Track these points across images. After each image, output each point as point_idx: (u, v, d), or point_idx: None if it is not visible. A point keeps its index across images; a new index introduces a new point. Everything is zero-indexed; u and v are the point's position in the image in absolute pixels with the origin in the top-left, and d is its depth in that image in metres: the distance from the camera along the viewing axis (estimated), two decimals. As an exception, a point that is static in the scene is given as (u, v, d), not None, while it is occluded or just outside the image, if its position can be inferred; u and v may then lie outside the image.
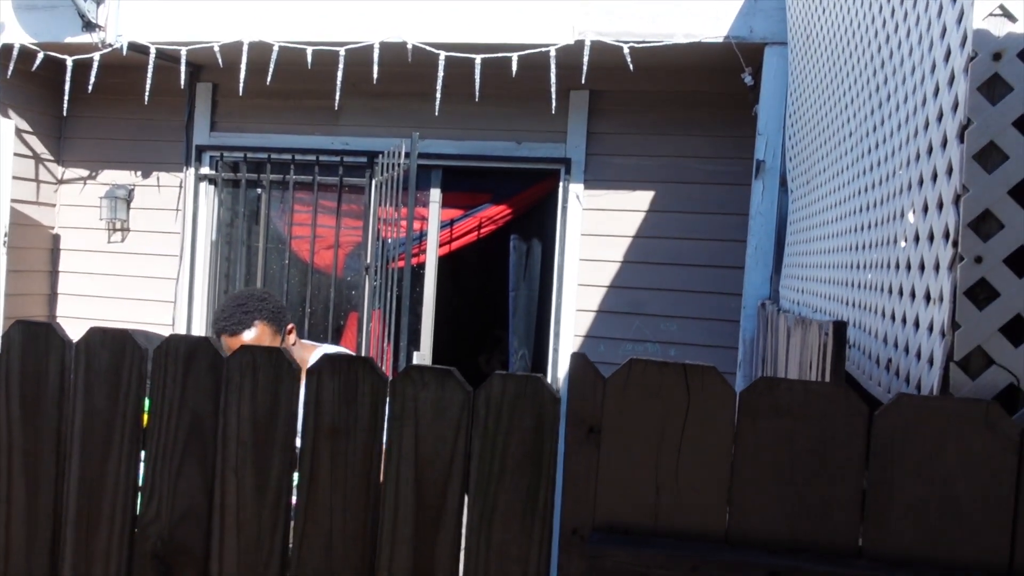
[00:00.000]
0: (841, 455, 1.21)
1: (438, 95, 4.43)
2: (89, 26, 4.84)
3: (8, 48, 4.93)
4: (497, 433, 1.34)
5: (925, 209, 1.54)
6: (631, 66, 4.24)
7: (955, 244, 1.33)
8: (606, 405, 1.27)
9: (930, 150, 1.54)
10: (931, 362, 1.40)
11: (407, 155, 4.61)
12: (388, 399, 1.38)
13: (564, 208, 5.04)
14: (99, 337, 1.49)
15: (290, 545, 1.42)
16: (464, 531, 1.36)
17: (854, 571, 1.17)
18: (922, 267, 1.53)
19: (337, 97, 4.63)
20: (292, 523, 1.42)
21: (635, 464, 1.26)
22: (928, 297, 1.47)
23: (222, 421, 1.43)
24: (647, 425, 1.26)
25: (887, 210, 1.86)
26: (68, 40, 4.90)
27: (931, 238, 1.48)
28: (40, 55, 4.87)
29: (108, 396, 1.48)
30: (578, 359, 1.28)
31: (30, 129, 5.53)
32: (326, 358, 1.40)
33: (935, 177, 1.50)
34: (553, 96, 4.39)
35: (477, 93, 4.43)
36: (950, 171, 1.41)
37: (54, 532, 1.50)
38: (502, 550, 1.34)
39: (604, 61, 4.40)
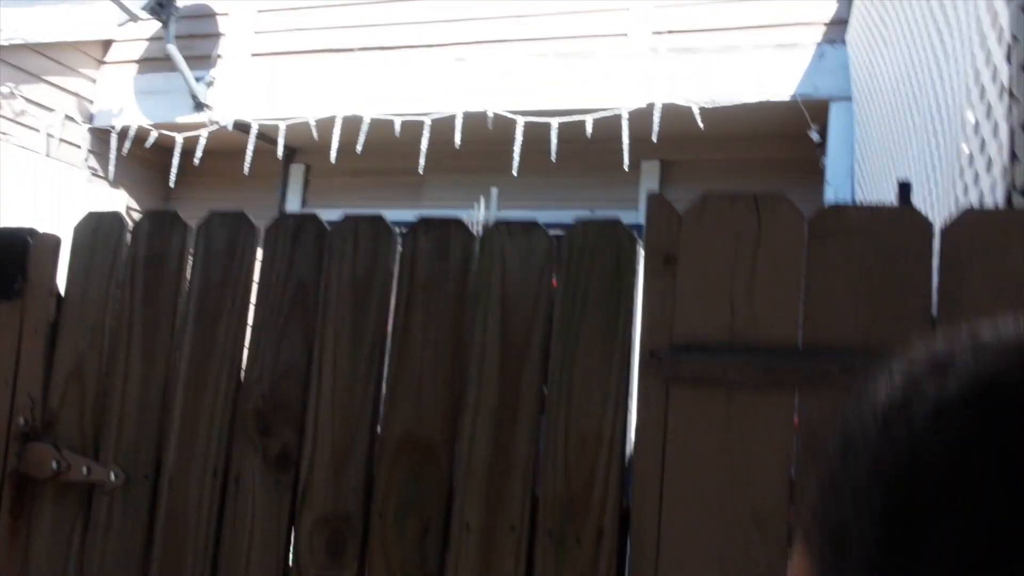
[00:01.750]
0: (910, 268, 1.27)
1: (516, 157, 4.69)
2: (199, 106, 5.33)
3: (125, 129, 5.44)
4: (579, 272, 1.43)
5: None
6: (700, 124, 4.44)
7: (1011, 94, 1.42)
8: (682, 235, 1.36)
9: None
10: (994, 190, 1.46)
11: (485, 219, 4.84)
12: (478, 251, 1.49)
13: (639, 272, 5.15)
14: (218, 219, 1.65)
15: (383, 394, 1.51)
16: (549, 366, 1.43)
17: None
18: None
19: (421, 163, 4.94)
20: (384, 372, 1.52)
21: (710, 288, 1.34)
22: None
23: (323, 284, 1.56)
24: (721, 251, 1.34)
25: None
26: (179, 120, 5.38)
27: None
28: (154, 133, 5.35)
29: (223, 269, 1.62)
30: (654, 197, 1.39)
31: (138, 208, 5.99)
32: (421, 219, 1.53)
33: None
34: (626, 157, 4.60)
35: (553, 153, 4.68)
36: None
37: (164, 398, 1.62)
38: (585, 377, 1.40)
39: (673, 130, 4.61)
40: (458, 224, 1.52)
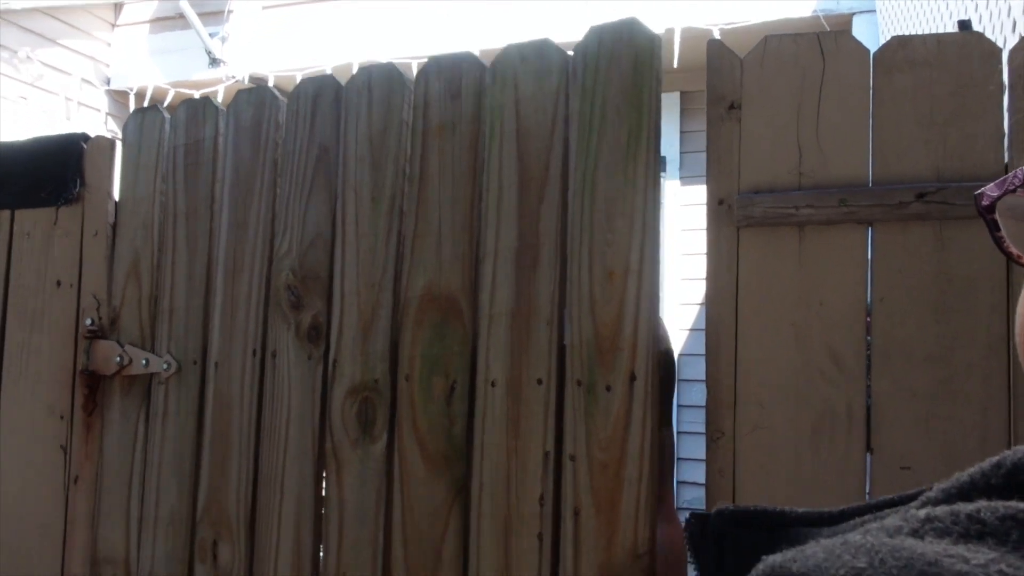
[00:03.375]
0: (979, 94, 1.26)
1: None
2: (214, 62, 5.31)
3: (143, 90, 5.43)
4: (595, 85, 1.33)
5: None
6: (721, 46, 4.39)
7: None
8: (744, 80, 1.35)
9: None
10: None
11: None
12: (490, 85, 1.40)
13: (662, 204, 5.14)
14: (244, 96, 1.62)
15: (405, 251, 1.46)
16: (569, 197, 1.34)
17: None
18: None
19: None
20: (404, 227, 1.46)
21: (776, 131, 1.33)
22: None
23: (342, 145, 1.51)
24: (785, 93, 1.33)
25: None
26: (195, 77, 5.37)
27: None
28: (171, 92, 5.34)
29: (252, 146, 1.59)
30: (714, 42, 1.37)
31: (159, 170, 6.00)
32: (431, 59, 1.45)
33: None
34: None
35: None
36: None
37: (207, 283, 1.61)
38: (607, 203, 1.31)
39: (693, 58, 4.56)
40: (470, 59, 1.43)
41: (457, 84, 1.42)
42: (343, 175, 1.51)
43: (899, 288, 1.25)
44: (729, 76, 1.35)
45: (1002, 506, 0.31)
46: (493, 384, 1.36)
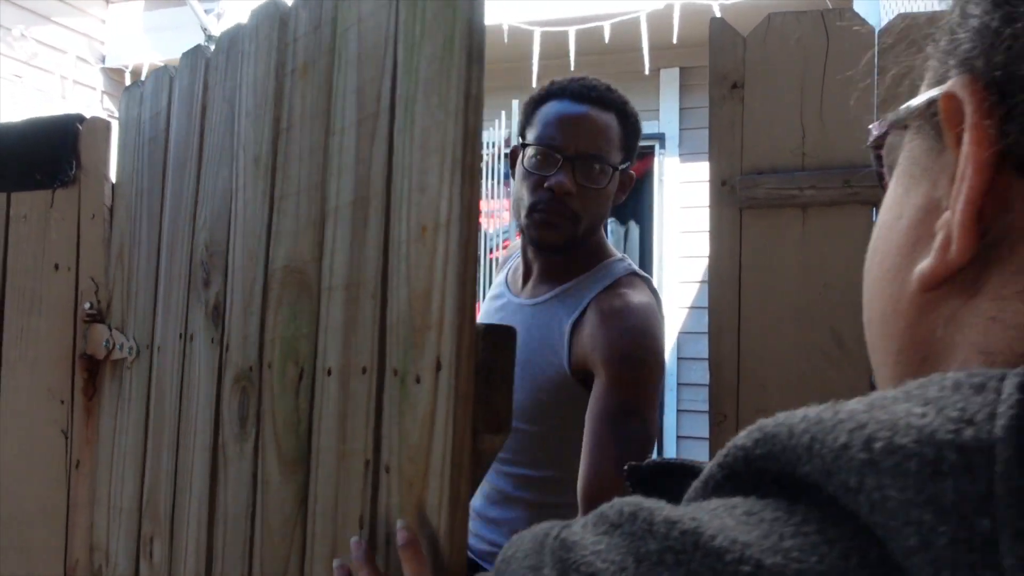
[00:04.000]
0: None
1: (535, 69, 4.62)
2: (210, 39, 5.26)
3: (138, 68, 5.39)
4: None
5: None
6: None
7: None
8: (747, 59, 1.33)
9: None
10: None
11: (506, 132, 4.80)
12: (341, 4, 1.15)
13: (661, 181, 5.12)
14: (184, 59, 1.51)
15: (273, 214, 1.26)
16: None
17: None
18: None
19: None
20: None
21: (779, 111, 1.31)
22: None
23: (238, 98, 1.35)
24: (788, 72, 1.31)
25: None
26: (191, 55, 5.33)
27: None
28: (167, 70, 5.30)
29: (186, 113, 1.48)
30: (716, 21, 1.36)
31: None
32: None
33: None
34: (646, 62, 4.53)
35: (572, 63, 4.61)
36: None
37: (158, 258, 1.56)
38: (424, 139, 0.97)
39: (693, 34, 4.52)
40: None
41: (318, 11, 1.17)
42: (237, 132, 1.32)
43: (903, 270, 1.24)
44: (731, 55, 1.34)
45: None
46: (328, 372, 1.08)
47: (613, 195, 1.55)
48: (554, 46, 4.64)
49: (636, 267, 1.56)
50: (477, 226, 0.91)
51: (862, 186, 1.25)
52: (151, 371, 1.51)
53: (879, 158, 0.47)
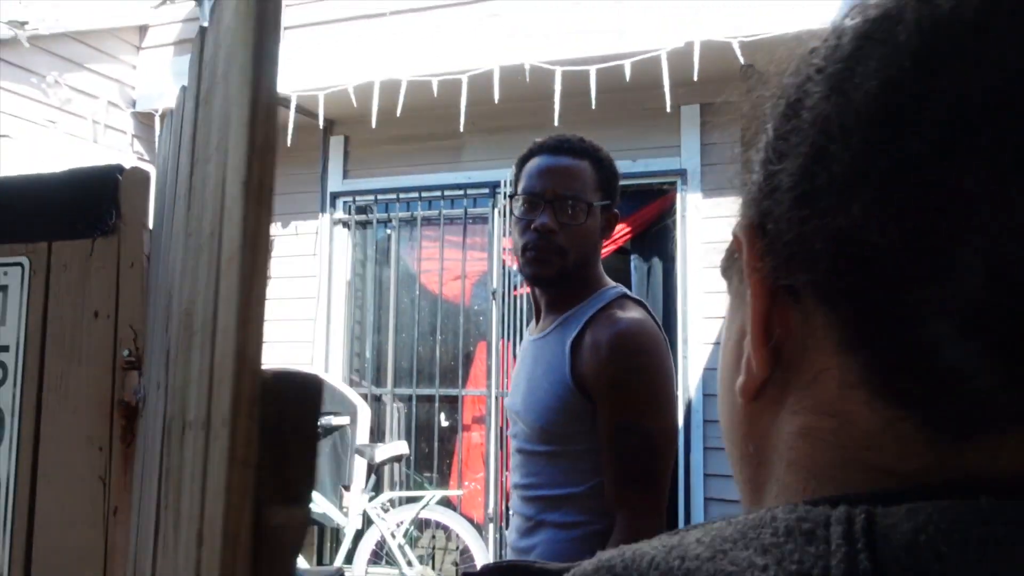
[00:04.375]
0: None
1: (556, 108, 4.67)
2: (237, 83, 5.36)
3: (167, 111, 5.49)
4: None
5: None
6: (741, 59, 4.39)
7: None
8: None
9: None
10: None
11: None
12: None
13: (683, 217, 5.13)
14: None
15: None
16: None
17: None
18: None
19: (461, 122, 4.94)
20: None
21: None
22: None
23: None
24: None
25: None
26: (219, 98, 5.42)
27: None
28: (195, 113, 5.40)
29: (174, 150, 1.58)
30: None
31: (183, 190, 6.06)
32: None
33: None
34: (667, 99, 4.57)
35: (593, 101, 4.66)
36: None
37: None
38: None
39: (713, 70, 4.56)
40: None
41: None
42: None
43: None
44: (761, 103, 1.35)
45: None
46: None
47: (598, 231, 1.74)
48: (575, 85, 4.69)
49: (629, 292, 1.74)
50: (266, 257, 0.83)
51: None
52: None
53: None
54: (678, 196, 5.17)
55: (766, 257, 0.40)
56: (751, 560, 0.32)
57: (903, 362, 0.35)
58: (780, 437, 0.41)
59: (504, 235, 5.24)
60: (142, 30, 5.75)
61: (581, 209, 1.69)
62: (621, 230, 5.43)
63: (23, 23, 4.79)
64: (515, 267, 5.13)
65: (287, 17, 5.48)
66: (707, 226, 5.07)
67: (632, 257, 5.51)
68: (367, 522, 5.00)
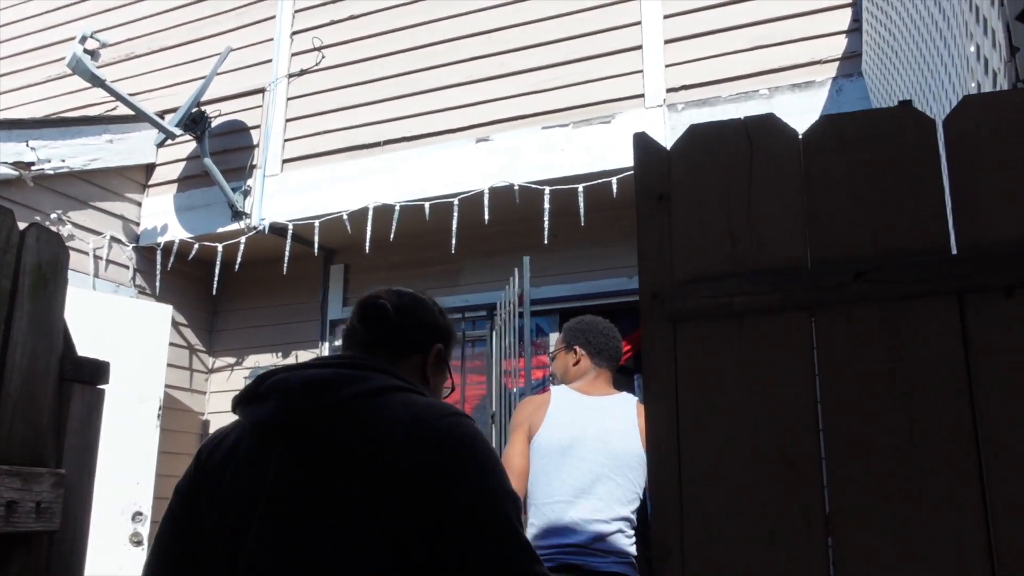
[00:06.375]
0: (917, 168, 1.18)
1: (546, 226, 4.69)
2: (237, 215, 5.48)
3: (169, 245, 5.60)
4: None
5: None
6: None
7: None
8: (672, 172, 1.30)
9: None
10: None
11: (519, 288, 4.81)
12: None
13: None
14: None
15: None
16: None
17: (945, 256, 1.11)
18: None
19: (453, 244, 4.95)
20: None
21: (708, 219, 1.26)
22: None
23: None
24: (715, 181, 1.27)
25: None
26: (219, 230, 5.54)
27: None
28: (196, 246, 5.50)
29: None
30: (639, 135, 1.33)
31: (185, 322, 6.09)
32: None
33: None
34: (655, 214, 4.56)
35: (582, 218, 4.66)
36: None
37: None
38: None
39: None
40: None
41: None
42: None
43: (848, 378, 1.14)
44: (657, 166, 1.31)
45: None
46: None
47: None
48: (564, 203, 4.72)
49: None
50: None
51: (794, 288, 1.17)
52: None
53: None
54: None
55: None
56: None
57: None
58: None
59: (504, 357, 5.15)
60: (149, 169, 5.94)
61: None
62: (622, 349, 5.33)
63: (29, 164, 4.97)
64: (515, 390, 5.01)
65: (286, 150, 5.65)
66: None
67: (635, 376, 5.38)
68: None
